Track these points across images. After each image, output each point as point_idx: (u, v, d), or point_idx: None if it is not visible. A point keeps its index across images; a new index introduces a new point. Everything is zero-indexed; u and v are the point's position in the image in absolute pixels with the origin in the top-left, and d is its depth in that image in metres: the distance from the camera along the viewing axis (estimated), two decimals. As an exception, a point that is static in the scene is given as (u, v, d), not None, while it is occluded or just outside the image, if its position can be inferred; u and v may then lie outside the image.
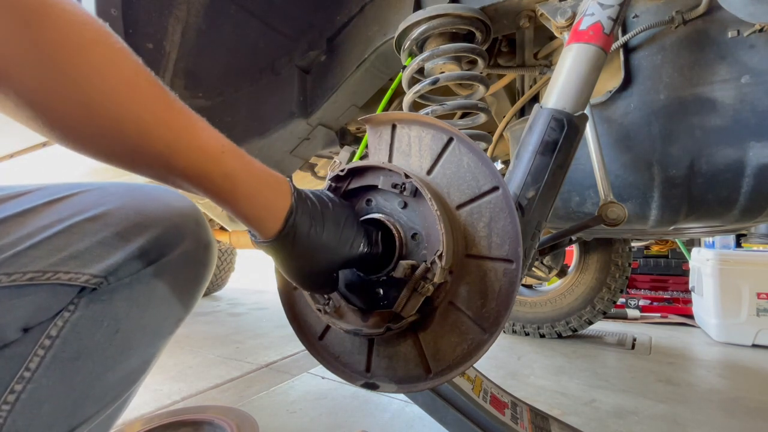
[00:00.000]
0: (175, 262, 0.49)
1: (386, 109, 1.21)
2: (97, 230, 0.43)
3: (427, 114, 0.89)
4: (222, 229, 2.51)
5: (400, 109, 1.29)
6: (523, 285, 2.45)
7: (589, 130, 0.79)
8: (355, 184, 0.55)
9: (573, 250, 2.34)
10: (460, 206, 0.52)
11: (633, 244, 2.64)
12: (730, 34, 0.75)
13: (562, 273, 2.18)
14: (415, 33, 0.88)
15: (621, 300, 2.87)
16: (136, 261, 0.45)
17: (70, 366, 0.43)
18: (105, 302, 0.45)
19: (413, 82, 0.91)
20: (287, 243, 0.44)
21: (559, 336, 2.26)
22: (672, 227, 1.00)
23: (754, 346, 2.14)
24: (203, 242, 0.52)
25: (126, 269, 0.45)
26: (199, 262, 0.52)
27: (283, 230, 0.44)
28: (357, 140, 1.45)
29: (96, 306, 0.44)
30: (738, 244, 2.82)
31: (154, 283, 0.48)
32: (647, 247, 3.37)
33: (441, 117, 0.78)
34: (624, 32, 0.84)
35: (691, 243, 2.97)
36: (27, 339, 0.41)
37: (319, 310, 0.53)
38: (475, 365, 0.62)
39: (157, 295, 0.49)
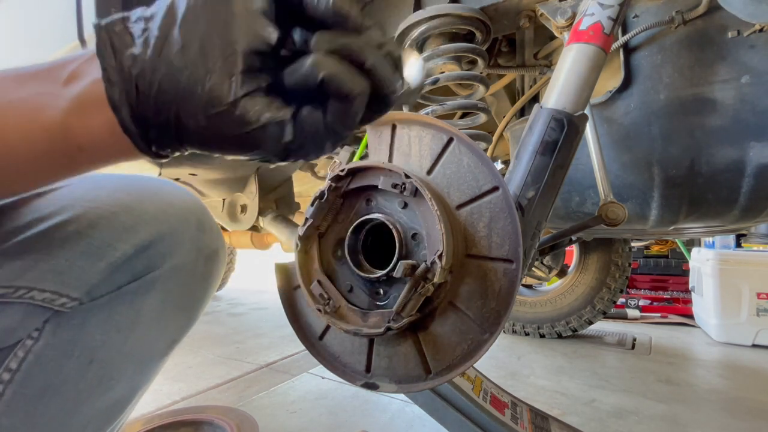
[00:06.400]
0: (167, 276, 0.40)
1: (386, 109, 1.21)
2: (80, 235, 0.35)
3: (427, 114, 0.89)
4: (222, 229, 2.51)
5: (400, 109, 1.29)
6: (523, 285, 2.45)
7: (589, 130, 0.79)
8: (355, 184, 0.55)
9: (573, 250, 2.34)
10: (460, 206, 0.52)
11: (633, 244, 2.65)
12: (730, 34, 0.75)
13: (562, 273, 2.18)
14: (415, 33, 0.88)
15: (621, 300, 2.87)
16: (118, 274, 0.37)
17: (35, 403, 0.35)
18: (76, 328, 0.36)
19: (413, 82, 0.91)
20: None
21: (559, 336, 2.26)
22: (672, 227, 0.99)
23: (754, 346, 2.14)
24: (205, 251, 0.44)
25: (103, 286, 0.36)
26: (199, 275, 0.44)
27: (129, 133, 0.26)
28: (357, 140, 1.45)
29: (64, 333, 0.35)
30: (738, 244, 2.81)
31: (139, 302, 0.39)
32: (647, 247, 3.37)
33: (441, 117, 0.78)
34: (624, 32, 0.84)
35: (691, 243, 2.96)
36: None
37: (319, 310, 0.53)
38: (475, 365, 0.62)
39: (143, 317, 0.40)
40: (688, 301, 2.80)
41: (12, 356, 0.34)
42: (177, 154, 0.30)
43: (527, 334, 2.32)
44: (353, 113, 0.27)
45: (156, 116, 0.26)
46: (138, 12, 0.26)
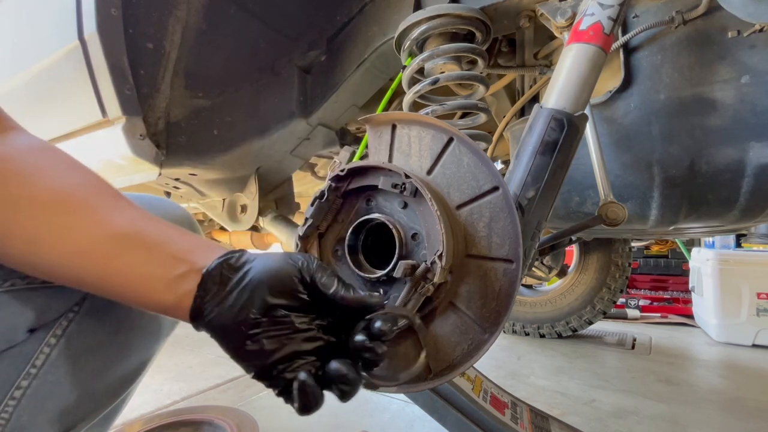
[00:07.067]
0: None
1: (386, 109, 1.21)
2: None
3: (427, 114, 0.89)
4: (222, 229, 2.51)
5: (400, 109, 1.29)
6: (523, 285, 2.45)
7: (589, 130, 0.79)
8: (355, 184, 0.55)
9: (573, 250, 2.34)
10: (460, 206, 0.52)
11: (633, 244, 2.64)
12: (730, 34, 0.75)
13: (562, 273, 2.17)
14: (415, 33, 0.88)
15: (621, 300, 2.87)
16: None
17: (74, 363, 0.45)
18: (107, 303, 0.47)
19: (413, 82, 0.91)
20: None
21: (559, 336, 2.26)
22: (672, 227, 0.99)
23: (754, 346, 2.14)
24: None
25: None
26: None
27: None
28: (357, 140, 1.45)
29: (99, 307, 0.47)
30: (738, 244, 2.82)
31: None
32: (647, 247, 3.37)
33: (441, 117, 0.78)
34: (624, 32, 0.84)
35: (691, 243, 2.96)
36: (33, 338, 0.43)
37: (319, 310, 0.53)
38: (475, 365, 0.62)
39: None
40: (688, 301, 2.81)
41: (57, 325, 0.44)
42: None
43: (527, 334, 2.32)
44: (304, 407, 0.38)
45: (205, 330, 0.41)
46: (234, 261, 0.40)
